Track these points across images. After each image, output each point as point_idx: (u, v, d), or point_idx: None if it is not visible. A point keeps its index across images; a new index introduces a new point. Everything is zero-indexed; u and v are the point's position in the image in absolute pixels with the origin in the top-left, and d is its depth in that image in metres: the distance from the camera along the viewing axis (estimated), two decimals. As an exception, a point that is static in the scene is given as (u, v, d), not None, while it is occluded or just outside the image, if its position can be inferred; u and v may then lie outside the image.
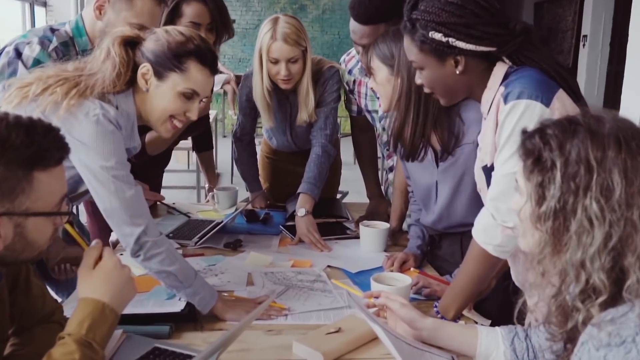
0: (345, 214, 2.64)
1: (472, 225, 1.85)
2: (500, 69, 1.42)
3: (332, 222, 2.53)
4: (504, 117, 1.36)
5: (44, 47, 1.90)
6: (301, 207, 2.30)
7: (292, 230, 2.34)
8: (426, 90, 1.52)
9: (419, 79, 1.51)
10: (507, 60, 1.42)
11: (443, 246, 2.02)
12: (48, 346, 1.13)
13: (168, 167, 2.83)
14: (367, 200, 2.68)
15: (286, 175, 2.81)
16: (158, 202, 2.50)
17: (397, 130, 1.79)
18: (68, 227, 1.19)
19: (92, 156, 1.44)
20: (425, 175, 1.92)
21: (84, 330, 1.09)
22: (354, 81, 2.50)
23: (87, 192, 1.53)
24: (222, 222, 2.38)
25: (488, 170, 1.43)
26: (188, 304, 1.55)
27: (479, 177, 1.50)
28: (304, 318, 1.61)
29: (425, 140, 1.78)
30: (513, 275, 1.52)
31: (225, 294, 1.71)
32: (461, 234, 1.87)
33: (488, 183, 1.43)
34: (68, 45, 1.97)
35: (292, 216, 2.42)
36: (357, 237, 2.30)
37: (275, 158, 2.86)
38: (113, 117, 1.47)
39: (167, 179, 3.12)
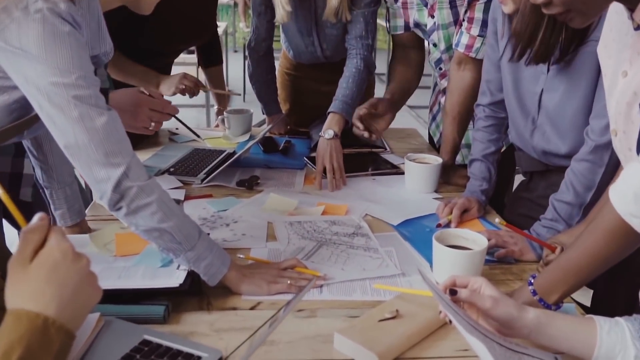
0: (381, 142, 2.20)
1: None
2: None
3: (366, 153, 2.10)
4: None
5: None
6: (329, 129, 1.85)
7: (319, 162, 1.92)
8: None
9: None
10: None
11: (539, 188, 1.59)
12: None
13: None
14: (402, 125, 2.23)
15: (310, 95, 2.36)
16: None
17: (530, 31, 1.33)
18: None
19: (40, 70, 0.99)
20: (530, 83, 1.49)
21: None
22: None
23: (34, 120, 1.10)
24: (234, 152, 1.96)
25: None
26: (190, 274, 1.14)
27: (622, 114, 1.03)
28: (344, 291, 1.21)
29: (562, 36, 1.33)
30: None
31: (241, 256, 1.31)
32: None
33: None
34: None
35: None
36: (399, 174, 1.88)
37: (297, 74, 2.39)
38: (65, 11, 1.00)
39: (173, 96, 2.67)
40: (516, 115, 1.57)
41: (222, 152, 2.03)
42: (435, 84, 2.18)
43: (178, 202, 1.61)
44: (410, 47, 2.09)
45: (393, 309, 1.08)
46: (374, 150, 2.13)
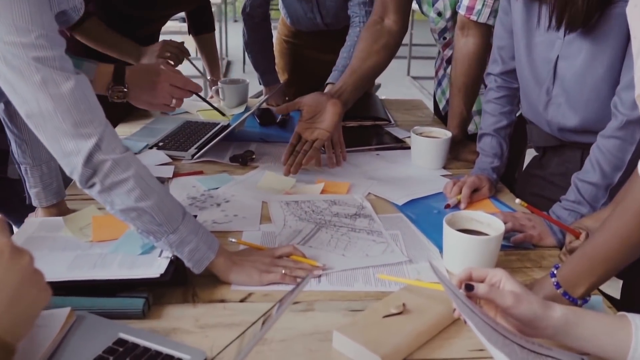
0: (385, 114, 2.07)
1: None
2: None
3: (369, 126, 1.97)
4: None
5: None
6: None
7: (319, 137, 1.78)
8: None
9: None
10: None
11: (552, 165, 1.47)
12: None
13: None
14: (405, 96, 2.09)
15: (310, 64, 2.24)
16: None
17: None
18: None
19: None
20: (544, 50, 1.35)
21: None
22: None
23: None
24: (228, 125, 1.84)
25: None
26: (173, 262, 1.03)
27: None
28: (345, 281, 1.09)
29: None
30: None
31: (233, 240, 1.19)
32: (583, 148, 1.30)
33: None
34: None
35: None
36: (404, 148, 1.76)
37: (296, 42, 2.25)
38: None
39: (171, 67, 2.53)
40: (529, 85, 1.43)
41: (215, 125, 1.90)
42: (439, 52, 2.03)
43: (164, 180, 1.49)
44: (389, 9, 1.74)
45: (399, 303, 0.96)
46: (377, 122, 2.00)
